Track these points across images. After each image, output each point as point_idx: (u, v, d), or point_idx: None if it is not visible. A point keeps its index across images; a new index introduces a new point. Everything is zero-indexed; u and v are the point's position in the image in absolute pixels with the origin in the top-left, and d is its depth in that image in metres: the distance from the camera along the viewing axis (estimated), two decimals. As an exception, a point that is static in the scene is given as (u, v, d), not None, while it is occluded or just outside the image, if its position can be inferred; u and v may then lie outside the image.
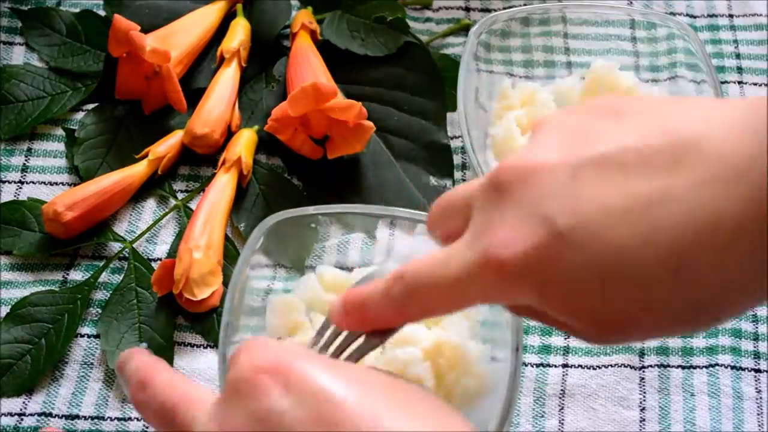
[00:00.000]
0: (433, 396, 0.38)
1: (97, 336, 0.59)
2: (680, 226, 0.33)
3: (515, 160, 0.37)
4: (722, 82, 0.71)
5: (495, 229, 0.36)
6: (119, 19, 0.64)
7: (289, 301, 0.56)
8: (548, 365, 0.59)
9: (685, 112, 0.35)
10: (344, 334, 0.43)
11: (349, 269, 0.59)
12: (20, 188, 0.66)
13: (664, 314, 0.34)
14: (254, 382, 0.35)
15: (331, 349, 0.43)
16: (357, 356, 0.42)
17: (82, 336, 0.60)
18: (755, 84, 0.72)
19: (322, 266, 0.58)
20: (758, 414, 0.57)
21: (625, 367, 0.59)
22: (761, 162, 0.32)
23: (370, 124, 0.63)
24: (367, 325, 0.41)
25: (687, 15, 0.76)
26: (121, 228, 0.64)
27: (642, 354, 0.59)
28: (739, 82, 0.72)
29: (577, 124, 0.37)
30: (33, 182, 0.66)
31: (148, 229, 0.64)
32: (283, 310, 0.56)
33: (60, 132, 0.68)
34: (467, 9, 0.75)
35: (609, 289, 0.34)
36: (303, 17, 0.70)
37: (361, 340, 0.42)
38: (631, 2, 0.76)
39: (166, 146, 0.65)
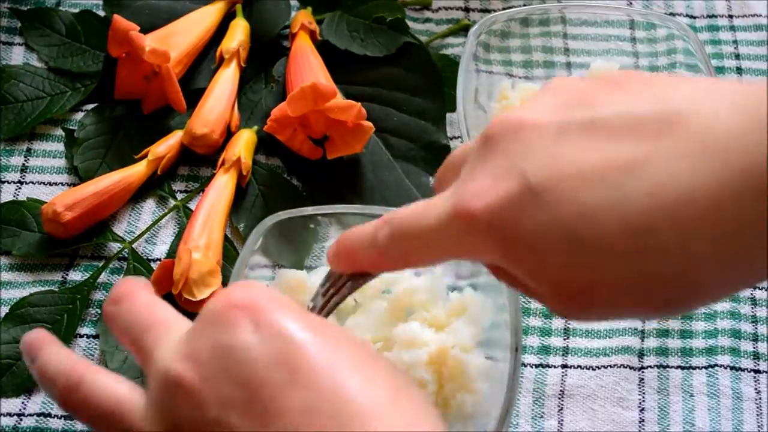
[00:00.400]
0: (400, 372, 0.38)
1: (96, 336, 0.59)
2: (652, 196, 0.32)
3: (507, 115, 0.37)
4: (722, 83, 0.71)
5: (473, 180, 0.36)
6: (119, 20, 0.64)
7: (299, 279, 0.56)
8: (547, 366, 0.59)
9: (684, 87, 0.34)
10: (340, 279, 0.44)
11: None
12: (20, 188, 0.66)
13: (625, 289, 0.34)
14: (226, 314, 0.36)
15: (321, 290, 0.44)
16: (339, 299, 0.44)
17: (82, 336, 0.60)
18: (755, 84, 0.72)
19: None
20: (757, 415, 0.57)
21: (624, 367, 0.59)
22: (743, 142, 0.31)
23: (369, 124, 0.63)
24: (355, 266, 0.42)
25: (686, 15, 0.76)
26: (120, 228, 0.64)
27: (641, 354, 0.59)
28: (739, 83, 0.72)
29: (577, 89, 0.36)
30: (32, 182, 0.66)
31: (148, 229, 0.64)
32: (292, 287, 0.56)
33: (59, 132, 0.68)
34: (467, 9, 0.75)
35: (571, 254, 0.33)
36: (302, 18, 0.70)
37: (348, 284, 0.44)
38: (631, 2, 0.76)
39: (165, 146, 0.65)
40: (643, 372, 0.59)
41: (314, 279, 0.57)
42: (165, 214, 0.64)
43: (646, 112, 0.33)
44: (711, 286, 0.33)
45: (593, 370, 0.59)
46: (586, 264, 0.33)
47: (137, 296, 0.41)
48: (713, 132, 0.32)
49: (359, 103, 0.62)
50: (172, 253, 0.62)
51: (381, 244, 0.40)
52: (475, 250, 0.37)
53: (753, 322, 0.61)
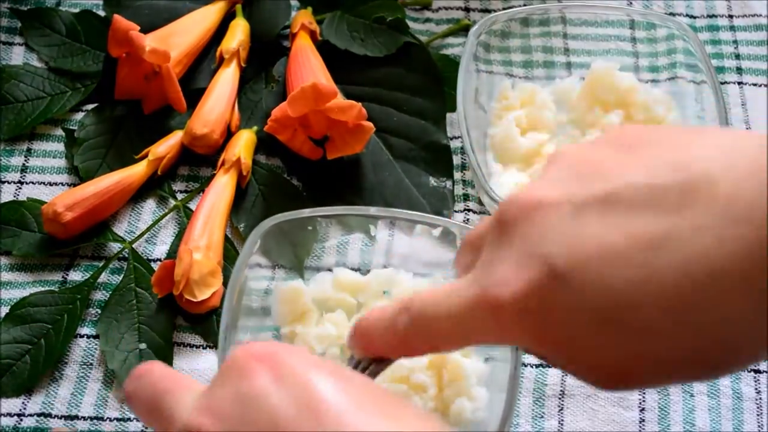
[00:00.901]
0: (420, 410, 0.38)
1: (96, 336, 0.59)
2: (683, 271, 0.31)
3: (520, 195, 0.36)
4: (722, 83, 0.71)
5: (495, 267, 0.35)
6: (119, 20, 0.64)
7: (296, 288, 0.56)
8: (548, 366, 0.59)
9: (699, 147, 0.33)
10: (362, 362, 0.43)
11: (365, 271, 0.59)
12: (20, 188, 0.66)
13: (664, 365, 0.33)
14: (245, 365, 0.35)
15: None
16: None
17: (82, 336, 0.60)
18: (755, 84, 0.72)
19: (338, 268, 0.58)
20: (758, 414, 0.57)
21: (624, 367, 0.59)
22: (763, 205, 0.30)
23: (369, 124, 0.63)
24: (375, 352, 0.41)
25: (687, 15, 0.76)
26: (120, 228, 0.64)
27: (641, 354, 0.59)
28: (739, 83, 0.72)
29: (588, 157, 0.36)
30: (32, 182, 0.66)
31: (148, 229, 0.64)
32: (290, 297, 0.56)
33: (59, 132, 0.68)
34: (467, 9, 0.75)
35: (603, 336, 0.33)
36: (303, 18, 0.70)
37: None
38: (631, 2, 0.76)
39: (165, 146, 0.65)
40: (643, 372, 0.59)
41: (312, 287, 0.57)
42: (165, 215, 0.64)
43: (664, 182, 0.32)
44: (750, 349, 0.32)
45: (593, 370, 0.59)
46: (620, 345, 0.33)
47: (155, 370, 0.40)
48: (735, 199, 0.31)
49: (359, 104, 0.62)
50: (172, 253, 0.62)
51: (401, 332, 0.39)
52: (502, 338, 0.36)
53: (753, 322, 0.61)
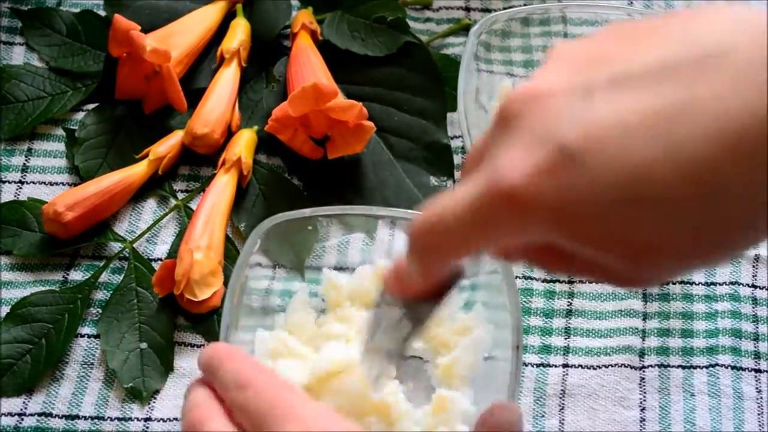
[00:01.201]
0: None
1: (97, 336, 0.59)
2: (705, 139, 0.30)
3: (522, 89, 0.35)
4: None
5: (502, 156, 0.34)
6: (119, 19, 0.64)
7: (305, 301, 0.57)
8: (548, 365, 0.59)
9: (705, 23, 0.33)
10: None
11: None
12: (20, 188, 0.66)
13: (693, 237, 0.32)
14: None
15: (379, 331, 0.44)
16: (400, 336, 0.43)
17: (83, 336, 0.60)
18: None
19: (361, 267, 0.58)
20: (759, 414, 0.57)
21: (625, 367, 0.59)
22: None
23: (370, 124, 0.63)
24: (406, 287, 0.41)
25: (687, 15, 0.76)
26: (121, 228, 0.64)
27: (642, 354, 0.59)
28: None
29: (591, 48, 0.35)
30: (33, 182, 0.66)
31: (149, 229, 0.64)
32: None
33: (60, 132, 0.68)
34: (467, 9, 0.75)
35: (629, 212, 0.32)
36: (303, 17, 0.70)
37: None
38: (632, 2, 0.76)
39: (166, 146, 0.65)
40: (644, 371, 0.59)
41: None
42: (166, 214, 0.64)
43: (676, 57, 0.32)
44: None
45: (594, 369, 0.59)
46: (648, 219, 0.32)
47: (258, 378, 0.41)
48: (753, 62, 0.30)
49: (360, 103, 0.62)
50: (173, 252, 0.62)
51: (418, 251, 0.38)
52: (517, 228, 0.34)
53: (754, 321, 0.61)
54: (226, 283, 0.59)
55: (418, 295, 0.42)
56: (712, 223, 0.32)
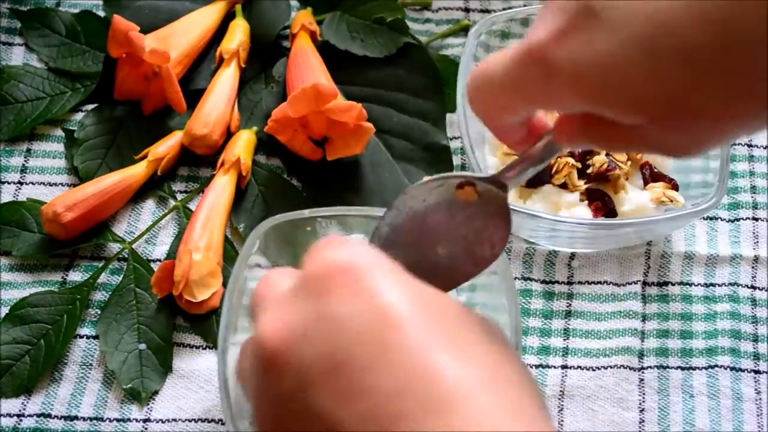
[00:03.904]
0: (506, 349, 0.36)
1: (96, 337, 0.59)
2: None
3: None
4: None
5: (538, 24, 0.36)
6: (118, 20, 0.64)
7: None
8: (547, 366, 0.59)
9: None
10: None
11: None
12: (19, 189, 0.66)
13: (717, 89, 0.32)
14: (323, 280, 0.34)
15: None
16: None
17: (81, 337, 0.60)
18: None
19: None
20: (758, 415, 0.57)
21: (624, 368, 0.59)
22: None
23: (369, 125, 0.63)
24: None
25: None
26: (120, 229, 0.64)
27: (641, 355, 0.59)
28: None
29: None
30: (32, 183, 0.66)
31: (148, 230, 0.64)
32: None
33: (59, 133, 0.68)
34: (467, 10, 0.75)
35: (652, 66, 0.32)
36: (303, 18, 0.69)
37: None
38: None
39: (165, 147, 0.65)
40: (643, 372, 0.59)
41: None
42: (165, 215, 0.64)
43: None
44: None
45: (593, 370, 0.59)
46: (671, 72, 0.32)
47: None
48: None
49: (360, 105, 0.62)
50: (172, 253, 0.62)
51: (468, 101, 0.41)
52: (548, 90, 0.36)
53: (753, 322, 0.61)
54: (225, 284, 0.59)
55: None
56: (737, 74, 0.31)
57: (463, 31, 0.73)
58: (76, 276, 0.62)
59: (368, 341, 0.32)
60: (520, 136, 0.43)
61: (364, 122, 0.63)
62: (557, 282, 0.62)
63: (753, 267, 0.63)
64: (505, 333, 0.39)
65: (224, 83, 0.67)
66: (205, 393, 0.58)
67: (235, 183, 0.64)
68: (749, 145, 0.68)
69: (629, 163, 0.63)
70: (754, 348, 0.60)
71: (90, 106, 0.69)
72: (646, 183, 0.63)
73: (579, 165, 0.62)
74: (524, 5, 0.74)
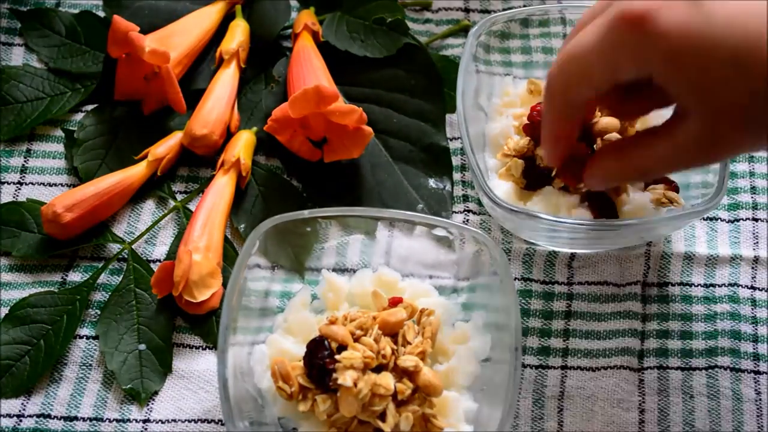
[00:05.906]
0: None
1: (95, 337, 0.59)
2: None
3: None
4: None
5: None
6: (118, 20, 0.64)
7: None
8: (547, 367, 0.59)
9: None
10: None
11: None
12: (19, 189, 0.66)
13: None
14: None
15: None
16: None
17: (81, 337, 0.60)
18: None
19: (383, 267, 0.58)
20: (758, 416, 0.57)
21: (624, 369, 0.59)
22: None
23: (369, 129, 0.63)
24: (561, 147, 0.47)
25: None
26: (120, 229, 0.64)
27: (641, 356, 0.59)
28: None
29: None
30: (32, 183, 0.66)
31: (147, 230, 0.64)
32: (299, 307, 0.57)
33: (59, 133, 0.68)
34: (467, 10, 0.75)
35: (732, 74, 0.35)
36: (306, 18, 0.69)
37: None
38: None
39: (165, 147, 0.65)
40: (642, 373, 0.59)
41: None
42: (165, 215, 0.64)
43: None
44: None
45: (593, 371, 0.59)
46: (746, 86, 0.35)
47: None
48: None
49: (361, 108, 0.62)
50: (171, 254, 0.62)
51: (556, 92, 0.44)
52: (638, 56, 0.38)
53: (753, 323, 0.61)
54: (224, 285, 0.59)
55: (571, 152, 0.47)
56: None
57: (463, 31, 0.73)
58: (75, 276, 0.62)
59: None
60: (573, 137, 0.46)
61: (364, 126, 0.63)
62: (557, 282, 0.62)
63: (753, 267, 0.63)
64: None
65: (224, 83, 0.67)
66: (205, 393, 0.58)
67: (235, 183, 0.64)
68: (749, 146, 0.68)
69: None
70: (754, 349, 0.60)
71: (90, 107, 0.69)
72: (646, 184, 0.63)
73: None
74: (524, 5, 0.74)
